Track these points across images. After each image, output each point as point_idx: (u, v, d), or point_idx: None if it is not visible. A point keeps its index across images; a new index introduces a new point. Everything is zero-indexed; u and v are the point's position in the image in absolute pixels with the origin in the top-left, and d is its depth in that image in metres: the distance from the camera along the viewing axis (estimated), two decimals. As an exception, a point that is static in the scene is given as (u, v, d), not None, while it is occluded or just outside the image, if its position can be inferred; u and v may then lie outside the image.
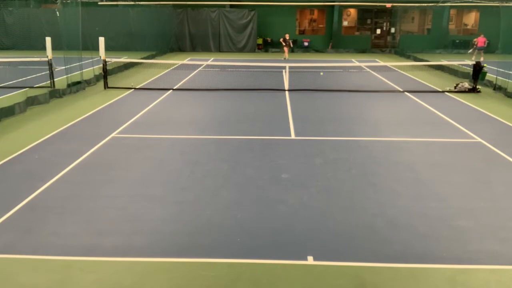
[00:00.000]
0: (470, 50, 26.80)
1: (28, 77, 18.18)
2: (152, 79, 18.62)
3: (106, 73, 16.51)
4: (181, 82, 17.62)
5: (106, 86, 16.36)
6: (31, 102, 13.01)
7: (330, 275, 4.91)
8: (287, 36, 27.20)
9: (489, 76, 17.67)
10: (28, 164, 8.33)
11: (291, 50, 32.54)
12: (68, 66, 15.79)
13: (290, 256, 5.25)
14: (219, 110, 12.95)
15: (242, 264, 5.12)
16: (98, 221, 6.11)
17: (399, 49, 31.56)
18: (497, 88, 16.29)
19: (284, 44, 26.98)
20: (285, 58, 26.96)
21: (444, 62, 21.40)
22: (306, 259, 5.19)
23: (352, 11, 33.86)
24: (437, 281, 4.83)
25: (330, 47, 32.69)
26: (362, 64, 21.62)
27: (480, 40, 25.76)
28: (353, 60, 26.92)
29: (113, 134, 10.26)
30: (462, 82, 16.57)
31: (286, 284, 4.75)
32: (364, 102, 14.30)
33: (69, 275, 4.88)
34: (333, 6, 32.12)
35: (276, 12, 32.47)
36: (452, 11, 32.91)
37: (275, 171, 8.00)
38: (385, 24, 33.81)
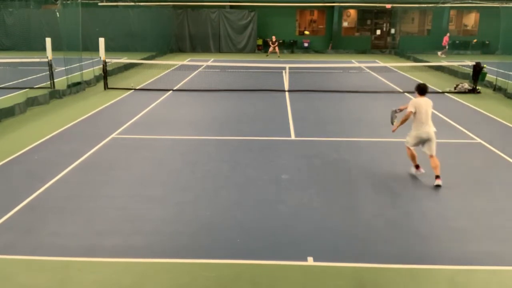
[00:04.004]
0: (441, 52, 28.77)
1: (28, 78, 18.18)
2: (152, 79, 18.63)
3: (106, 74, 16.52)
4: (181, 83, 17.62)
5: (106, 86, 16.36)
6: (31, 102, 13.01)
7: (330, 276, 4.91)
8: (273, 38, 29.36)
9: (489, 77, 17.67)
10: (28, 165, 8.33)
11: (291, 51, 32.61)
12: (68, 67, 15.80)
13: (290, 257, 5.25)
14: (219, 110, 12.95)
15: (242, 264, 5.12)
16: (98, 221, 6.12)
17: (399, 50, 31.56)
18: (497, 88, 16.30)
19: (272, 44, 29.26)
20: (279, 57, 28.95)
21: (444, 63, 21.40)
22: (306, 260, 5.19)
23: (352, 12, 33.87)
24: (437, 281, 4.83)
25: (330, 47, 32.71)
26: (362, 65, 21.63)
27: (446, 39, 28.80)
28: (353, 60, 26.93)
29: (113, 135, 10.26)
30: (462, 83, 16.57)
31: (286, 285, 4.75)
32: (364, 103, 14.30)
33: (69, 275, 4.89)
34: (333, 7, 32.13)
35: (276, 13, 32.48)
36: (452, 12, 32.91)
37: (275, 172, 8.00)
38: (385, 25, 33.82)
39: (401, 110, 8.06)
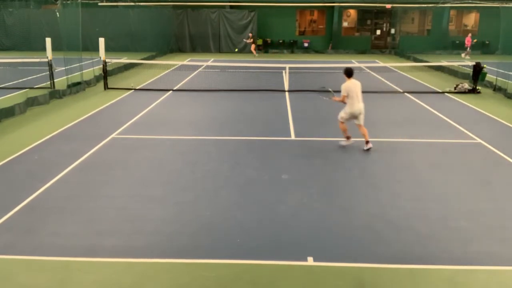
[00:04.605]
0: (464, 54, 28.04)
1: (28, 78, 18.18)
2: (152, 80, 18.62)
3: (106, 74, 16.52)
4: (181, 83, 17.62)
5: (106, 86, 16.36)
6: (31, 102, 13.01)
7: (330, 276, 4.91)
8: (250, 35, 29.75)
9: (489, 77, 17.67)
10: (28, 165, 8.33)
11: (291, 51, 32.62)
12: (68, 67, 15.80)
13: (290, 257, 5.25)
14: (219, 110, 12.95)
15: (242, 264, 5.12)
16: (98, 222, 6.11)
17: (399, 50, 31.56)
18: (497, 89, 16.30)
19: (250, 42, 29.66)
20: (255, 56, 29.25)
21: (444, 63, 21.41)
22: (306, 260, 5.19)
23: (352, 12, 33.87)
24: (437, 282, 4.82)
25: (330, 48, 32.71)
26: (362, 65, 21.63)
27: (468, 40, 27.94)
28: (353, 60, 26.93)
29: (113, 135, 10.26)
30: (462, 83, 16.58)
31: (286, 285, 4.75)
32: (364, 103, 14.26)
33: (69, 275, 4.89)
34: (333, 7, 32.13)
35: (276, 13, 32.48)
36: (452, 12, 32.92)
37: (275, 172, 8.00)
38: (385, 25, 33.82)
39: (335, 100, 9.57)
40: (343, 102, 9.12)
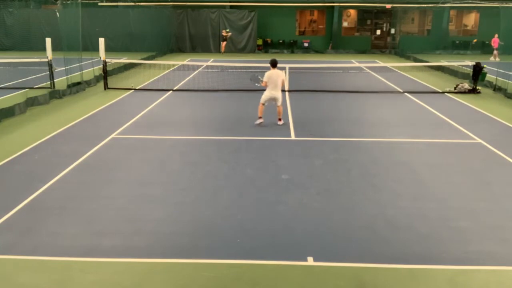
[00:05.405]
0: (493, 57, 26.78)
1: (28, 78, 18.19)
2: (152, 80, 18.62)
3: (106, 74, 16.52)
4: (181, 83, 17.62)
5: (106, 87, 16.36)
6: (31, 102, 13.01)
7: (330, 276, 4.91)
8: (223, 32, 30.23)
9: (489, 77, 17.67)
10: (28, 165, 8.33)
11: (291, 51, 32.62)
12: (68, 67, 15.80)
13: (290, 257, 5.25)
14: (219, 110, 12.95)
15: (242, 264, 5.11)
16: (98, 222, 6.11)
17: (399, 50, 31.56)
18: (497, 88, 16.30)
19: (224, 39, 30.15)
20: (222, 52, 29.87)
21: (444, 63, 21.41)
22: (306, 260, 5.19)
23: (352, 12, 33.88)
24: (437, 282, 4.82)
25: (330, 47, 32.71)
26: (362, 65, 21.62)
27: (495, 41, 26.42)
28: (353, 60, 26.93)
29: (113, 135, 10.26)
30: (462, 83, 16.58)
31: (286, 285, 4.75)
32: (364, 103, 14.30)
33: (69, 275, 4.88)
34: (333, 7, 32.14)
35: (276, 13, 32.49)
36: (452, 12, 32.93)
37: (275, 172, 8.00)
38: (385, 25, 33.84)
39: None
40: (264, 85, 10.92)
